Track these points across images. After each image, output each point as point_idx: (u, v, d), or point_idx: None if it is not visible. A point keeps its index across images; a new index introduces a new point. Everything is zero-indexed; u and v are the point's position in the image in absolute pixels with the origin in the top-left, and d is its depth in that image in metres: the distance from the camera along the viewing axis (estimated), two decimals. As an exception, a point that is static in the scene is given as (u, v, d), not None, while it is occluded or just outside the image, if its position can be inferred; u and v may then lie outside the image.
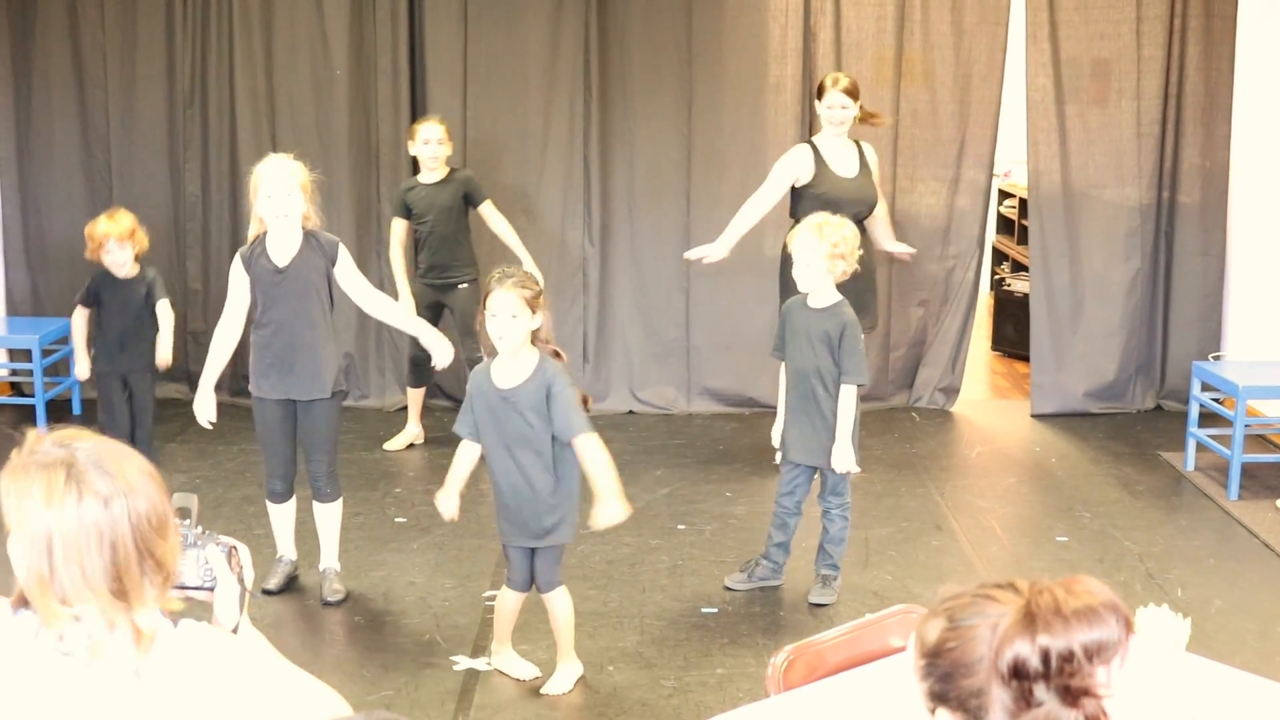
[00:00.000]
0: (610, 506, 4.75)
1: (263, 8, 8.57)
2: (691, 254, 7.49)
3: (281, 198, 5.39)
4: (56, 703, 2.33)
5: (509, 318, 4.64)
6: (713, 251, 7.34)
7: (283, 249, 5.51)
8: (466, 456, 4.90)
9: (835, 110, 7.12)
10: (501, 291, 4.64)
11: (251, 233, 5.61)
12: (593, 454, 4.79)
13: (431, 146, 7.51)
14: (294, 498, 5.89)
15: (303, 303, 5.56)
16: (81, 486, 2.31)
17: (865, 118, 7.34)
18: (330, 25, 8.58)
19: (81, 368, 6.91)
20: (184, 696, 2.35)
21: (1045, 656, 1.96)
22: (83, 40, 8.68)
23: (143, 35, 8.65)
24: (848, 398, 5.63)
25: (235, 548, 2.62)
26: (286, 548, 5.97)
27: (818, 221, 5.62)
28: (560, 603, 5.03)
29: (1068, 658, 1.96)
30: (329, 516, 5.82)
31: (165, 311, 6.84)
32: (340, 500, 5.87)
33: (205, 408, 5.64)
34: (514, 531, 4.90)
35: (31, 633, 2.36)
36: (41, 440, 2.38)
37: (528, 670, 5.11)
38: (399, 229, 7.69)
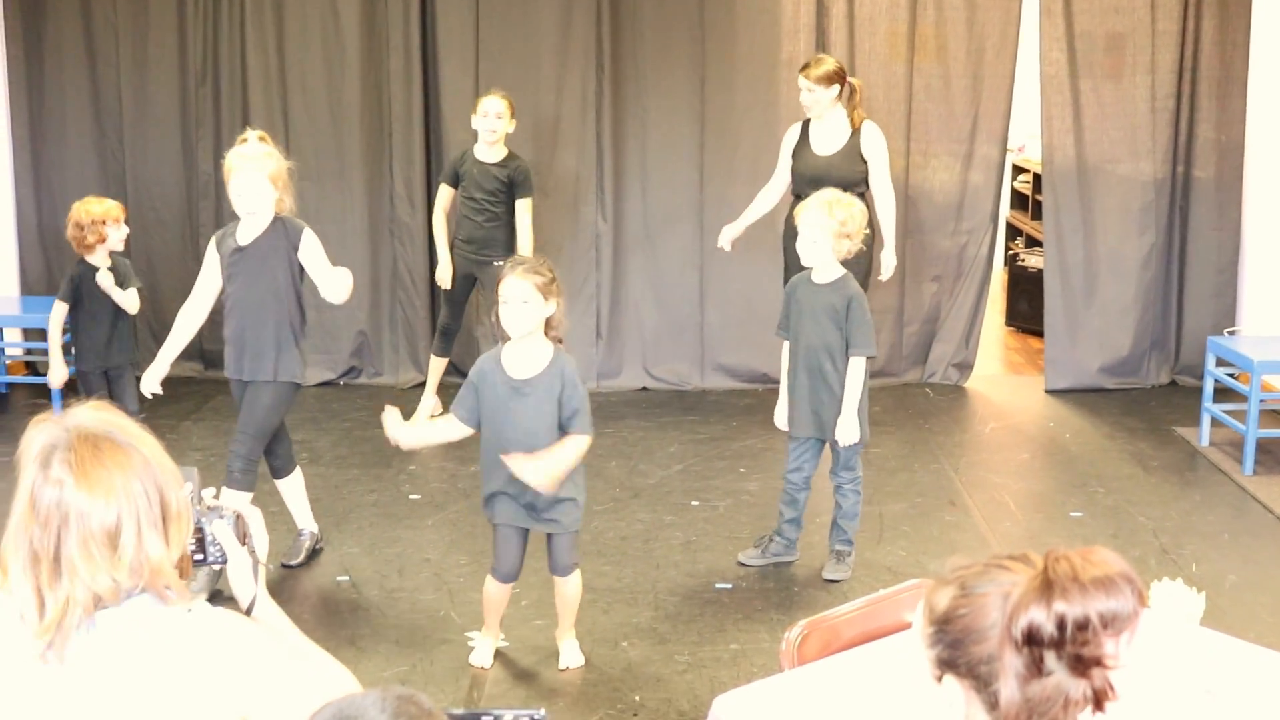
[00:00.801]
0: (540, 469, 4.56)
1: (274, -15, 8.58)
2: (724, 241, 7.64)
3: (249, 196, 5.39)
4: (41, 690, 2.35)
5: (520, 304, 4.59)
6: (725, 235, 7.58)
7: (249, 230, 5.51)
8: (447, 432, 4.85)
9: (801, 93, 7.23)
10: (513, 278, 4.60)
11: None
12: (575, 449, 4.67)
13: (489, 120, 7.44)
14: (296, 470, 5.94)
15: (257, 282, 5.52)
16: (93, 461, 2.35)
17: (854, 107, 7.32)
18: (341, 1, 8.57)
19: (59, 372, 6.79)
20: (188, 681, 2.35)
21: (1061, 623, 1.95)
22: (94, 18, 8.68)
23: (154, 13, 8.65)
24: (856, 369, 5.62)
25: (241, 515, 2.62)
26: (305, 521, 5.97)
27: (827, 199, 5.59)
28: (573, 586, 5.01)
29: (1083, 625, 1.95)
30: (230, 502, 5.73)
31: (132, 296, 6.74)
32: (249, 495, 5.62)
33: (152, 379, 5.64)
34: (516, 512, 4.82)
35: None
36: (62, 413, 2.42)
37: (482, 657, 5.06)
38: (445, 196, 7.70)
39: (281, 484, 5.92)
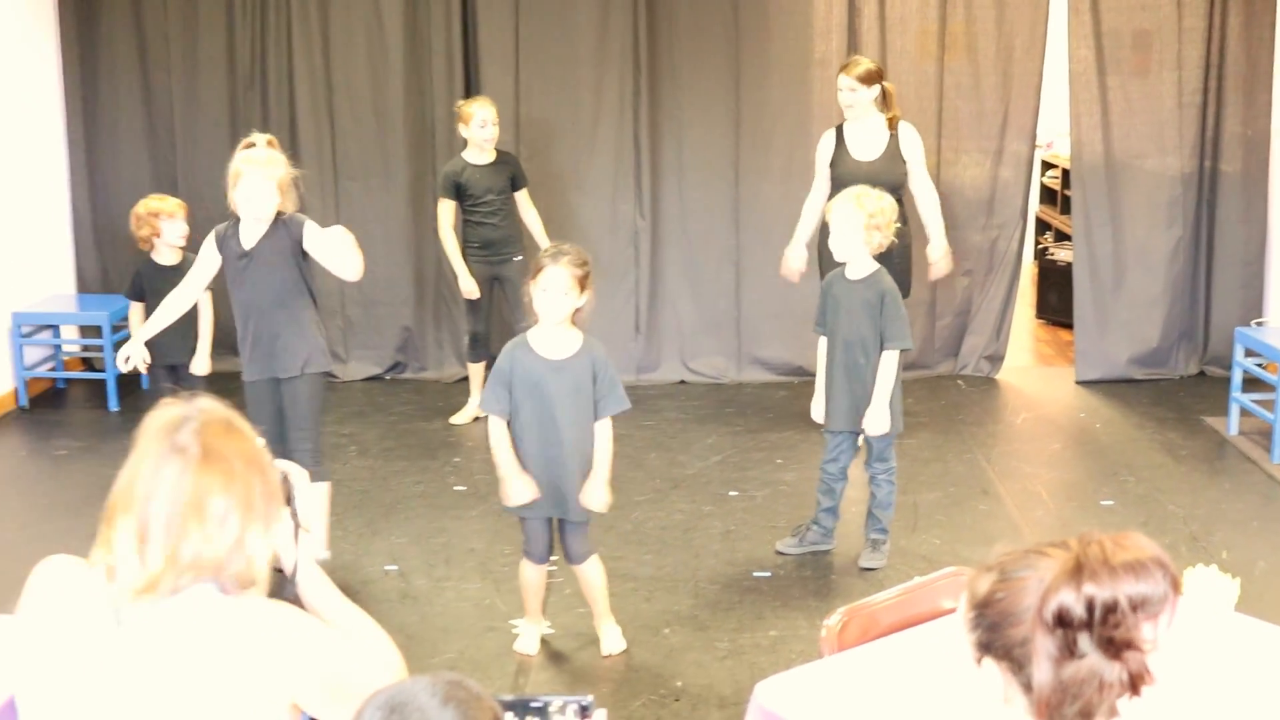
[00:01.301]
0: (600, 491, 4.78)
1: (320, -9, 8.60)
2: (792, 272, 7.44)
3: (258, 202, 5.34)
4: (101, 657, 2.37)
5: (560, 293, 4.62)
6: (794, 261, 7.37)
7: (252, 233, 5.44)
8: (503, 434, 4.77)
9: (842, 94, 7.05)
10: (556, 268, 4.62)
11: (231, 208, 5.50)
12: (606, 438, 4.78)
13: (489, 129, 7.50)
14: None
15: (269, 283, 5.45)
16: (222, 437, 2.42)
17: (889, 109, 7.19)
18: (385, 6, 8.59)
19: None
20: (239, 666, 2.36)
21: (1090, 605, 1.94)
22: (146, 25, 8.72)
23: (204, 19, 8.68)
24: (889, 362, 5.60)
25: (287, 475, 2.61)
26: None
27: (856, 192, 5.59)
28: (594, 572, 5.01)
29: (1112, 608, 1.94)
30: (312, 500, 5.69)
31: (206, 304, 6.66)
32: (327, 484, 5.70)
33: (126, 355, 5.64)
34: (542, 503, 4.82)
35: (96, 585, 2.40)
36: (177, 404, 2.45)
37: (528, 645, 5.08)
38: (448, 211, 7.63)
39: None
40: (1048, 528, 6.24)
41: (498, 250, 7.62)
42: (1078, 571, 1.96)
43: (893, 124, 7.08)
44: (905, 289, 6.72)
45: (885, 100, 7.15)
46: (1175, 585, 1.97)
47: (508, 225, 7.64)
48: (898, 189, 7.01)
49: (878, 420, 5.61)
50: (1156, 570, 1.96)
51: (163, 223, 6.68)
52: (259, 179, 5.34)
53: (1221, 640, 3.06)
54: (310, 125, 8.72)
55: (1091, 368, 8.80)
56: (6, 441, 7.56)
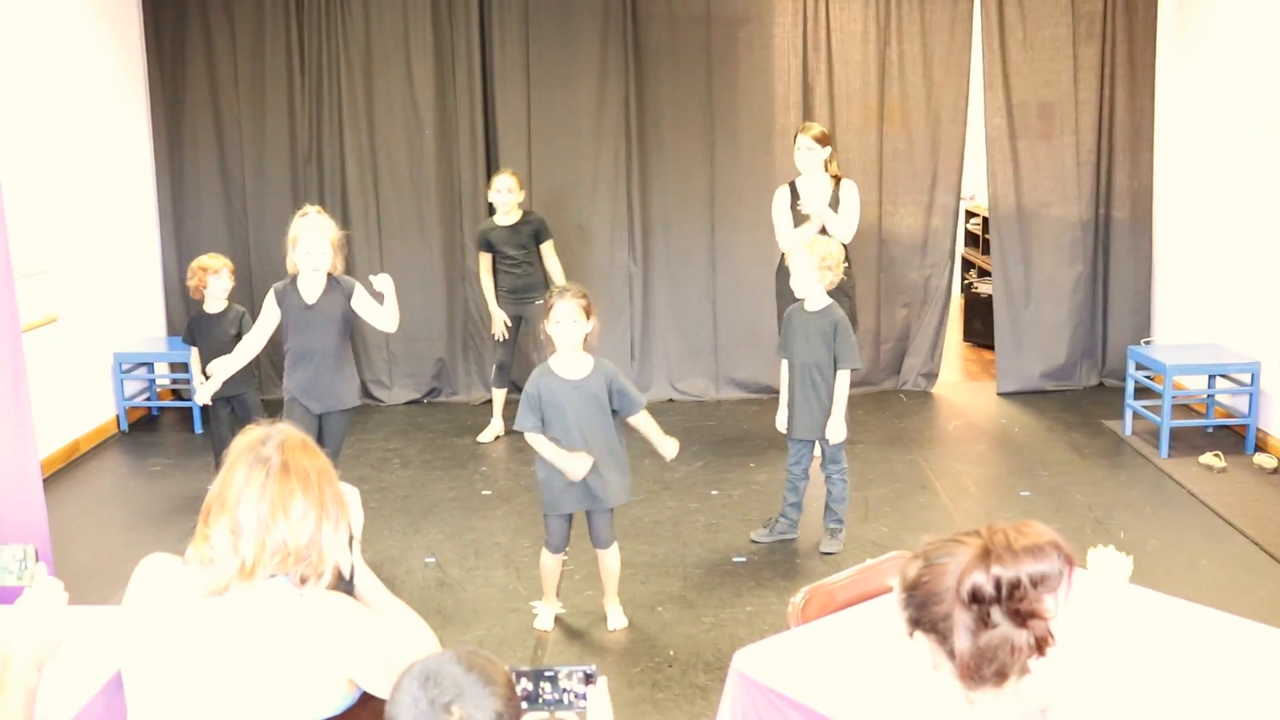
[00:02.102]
0: (670, 442, 4.95)
1: (364, 82, 8.62)
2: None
3: (317, 255, 5.39)
4: (192, 638, 2.38)
5: (571, 322, 4.68)
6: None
7: (311, 289, 5.50)
8: (543, 439, 4.74)
9: (800, 152, 6.92)
10: (564, 302, 4.68)
11: (289, 269, 5.54)
12: (649, 420, 4.92)
13: (503, 195, 7.50)
14: None
15: (326, 333, 5.52)
16: (300, 453, 2.46)
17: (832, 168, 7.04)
18: (420, 95, 8.61)
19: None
20: (305, 649, 2.36)
21: (998, 584, 1.96)
22: (222, 112, 8.74)
23: (270, 105, 8.69)
24: (843, 381, 5.62)
25: (344, 493, 2.61)
26: None
27: (809, 241, 5.67)
28: (614, 557, 5.02)
29: (1016, 585, 1.96)
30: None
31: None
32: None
33: (206, 392, 5.94)
34: (575, 499, 4.83)
35: (189, 578, 2.41)
36: (261, 428, 2.49)
37: (544, 621, 5.07)
38: (485, 262, 7.67)
39: None
40: (976, 516, 6.23)
41: (520, 295, 7.61)
42: (986, 556, 1.97)
43: (837, 181, 7.05)
44: (854, 320, 6.74)
45: (830, 160, 7.14)
46: (1069, 562, 1.98)
47: (529, 275, 7.59)
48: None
49: (836, 429, 5.62)
50: (1052, 551, 1.97)
51: (209, 277, 6.60)
52: (316, 237, 5.40)
53: (1119, 608, 3.06)
54: (358, 193, 8.73)
55: (1010, 381, 8.80)
56: (110, 460, 7.55)
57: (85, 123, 7.86)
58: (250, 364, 6.76)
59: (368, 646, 2.42)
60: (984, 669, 2.00)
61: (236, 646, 2.36)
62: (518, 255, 7.58)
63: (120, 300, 8.32)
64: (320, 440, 5.53)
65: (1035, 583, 1.96)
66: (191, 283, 6.68)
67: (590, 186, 8.70)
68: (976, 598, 1.97)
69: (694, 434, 7.88)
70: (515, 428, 4.87)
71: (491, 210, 7.75)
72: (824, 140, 6.98)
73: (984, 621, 1.97)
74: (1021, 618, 1.97)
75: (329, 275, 5.50)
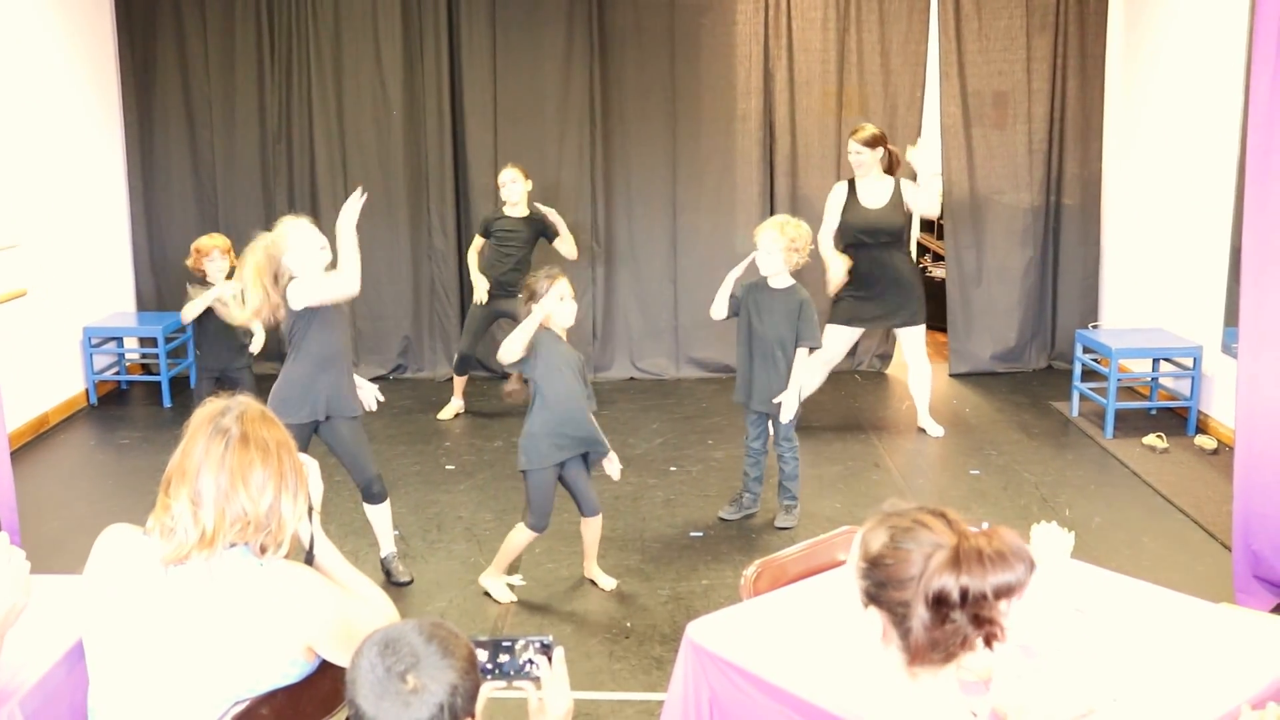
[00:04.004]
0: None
1: (334, 64, 8.55)
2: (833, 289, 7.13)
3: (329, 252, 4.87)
4: (150, 605, 2.37)
5: (572, 299, 4.80)
6: (834, 273, 7.02)
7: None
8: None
9: (850, 156, 7.01)
10: (563, 281, 4.77)
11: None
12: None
13: (507, 188, 7.39)
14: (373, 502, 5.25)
15: (346, 332, 5.00)
16: (259, 424, 2.45)
17: (892, 164, 7.06)
18: (388, 76, 8.56)
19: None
20: (264, 617, 2.35)
21: (964, 593, 1.97)
22: (192, 91, 8.66)
23: (240, 86, 8.62)
24: (803, 357, 5.61)
25: (303, 464, 2.60)
26: (386, 545, 5.33)
27: (780, 221, 5.64)
28: (598, 524, 5.09)
29: (981, 596, 1.97)
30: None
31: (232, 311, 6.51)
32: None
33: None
34: (570, 444, 4.84)
35: (149, 548, 2.39)
36: (223, 403, 2.47)
37: (506, 594, 5.05)
38: (477, 243, 7.59)
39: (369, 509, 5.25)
40: (928, 494, 6.26)
41: (507, 289, 7.38)
42: (957, 563, 1.98)
43: (898, 181, 7.01)
44: (914, 311, 6.94)
45: (890, 161, 7.05)
46: (1031, 568, 2.00)
47: (520, 272, 7.30)
48: (900, 233, 7.05)
49: (789, 405, 5.61)
50: (1019, 563, 1.99)
51: (205, 259, 6.65)
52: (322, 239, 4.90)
53: (1060, 581, 3.08)
54: (326, 173, 8.67)
55: (961, 363, 8.84)
56: (79, 433, 7.48)
57: (55, 100, 7.77)
58: (244, 343, 6.77)
59: (326, 615, 2.41)
60: (933, 654, 2.01)
61: (196, 615, 2.34)
62: (516, 249, 7.44)
63: (90, 275, 8.24)
64: (341, 456, 5.02)
65: (999, 595, 1.98)
66: (189, 262, 6.73)
67: (554, 168, 8.66)
68: (941, 600, 1.98)
69: (654, 412, 7.88)
70: (504, 358, 4.72)
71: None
72: (874, 142, 6.93)
73: (942, 620, 1.99)
74: (979, 621, 1.99)
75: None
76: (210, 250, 6.66)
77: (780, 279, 5.63)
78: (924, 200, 7.09)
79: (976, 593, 1.96)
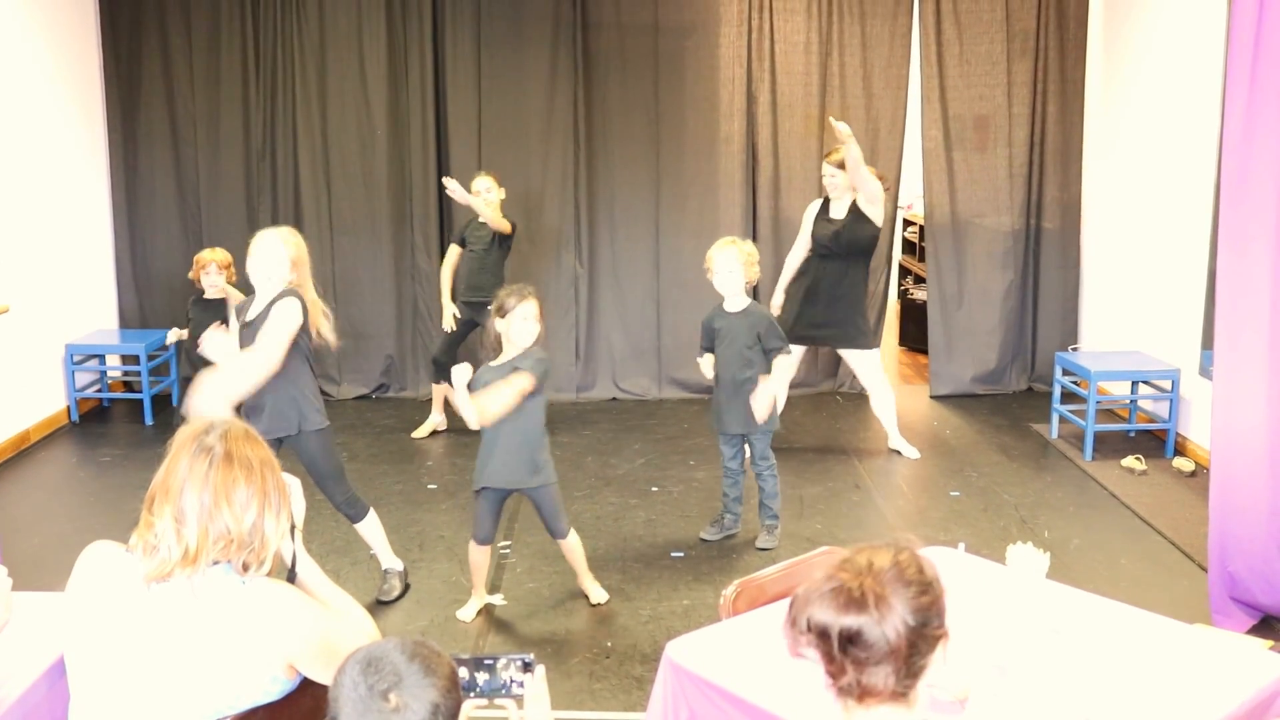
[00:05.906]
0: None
1: (318, 82, 8.57)
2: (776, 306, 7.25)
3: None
4: (132, 622, 2.37)
5: (535, 320, 4.73)
6: (775, 299, 7.30)
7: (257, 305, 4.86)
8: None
9: (825, 179, 7.07)
10: (533, 302, 4.73)
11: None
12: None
13: (482, 196, 7.35)
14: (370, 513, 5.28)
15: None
16: (242, 443, 2.46)
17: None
18: (372, 95, 8.58)
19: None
20: (245, 634, 2.36)
21: (823, 630, 2.01)
22: (177, 108, 8.67)
23: (224, 105, 8.64)
24: (779, 365, 5.59)
25: (286, 483, 2.61)
26: (388, 560, 5.33)
27: (729, 240, 5.66)
28: (576, 543, 5.08)
29: (824, 633, 2.00)
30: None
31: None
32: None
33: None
34: (503, 473, 4.81)
35: (132, 565, 2.40)
36: (207, 422, 2.49)
37: (470, 614, 5.04)
38: (453, 254, 7.54)
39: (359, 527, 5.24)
40: (908, 515, 6.28)
41: (477, 293, 7.26)
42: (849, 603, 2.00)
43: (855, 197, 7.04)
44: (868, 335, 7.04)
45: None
46: (914, 614, 1.98)
47: (490, 275, 7.29)
48: (868, 243, 7.04)
49: (762, 404, 5.56)
50: (883, 609, 1.98)
51: (201, 272, 6.95)
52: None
53: (1036, 602, 3.10)
54: (310, 191, 8.68)
55: (942, 385, 8.88)
56: (60, 450, 7.47)
57: (40, 117, 7.77)
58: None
59: (307, 633, 2.42)
60: (841, 694, 2.03)
61: (178, 632, 2.35)
62: (481, 253, 7.37)
63: (72, 292, 8.24)
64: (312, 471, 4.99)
65: (849, 639, 1.98)
66: (190, 274, 7.06)
67: (539, 190, 8.69)
68: (823, 635, 2.01)
69: (636, 432, 7.90)
70: (483, 425, 4.76)
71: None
72: (844, 165, 6.94)
73: (830, 656, 2.01)
74: (836, 667, 2.00)
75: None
76: (208, 264, 6.94)
77: (737, 300, 5.65)
78: (857, 180, 6.87)
79: (820, 628, 1.99)
